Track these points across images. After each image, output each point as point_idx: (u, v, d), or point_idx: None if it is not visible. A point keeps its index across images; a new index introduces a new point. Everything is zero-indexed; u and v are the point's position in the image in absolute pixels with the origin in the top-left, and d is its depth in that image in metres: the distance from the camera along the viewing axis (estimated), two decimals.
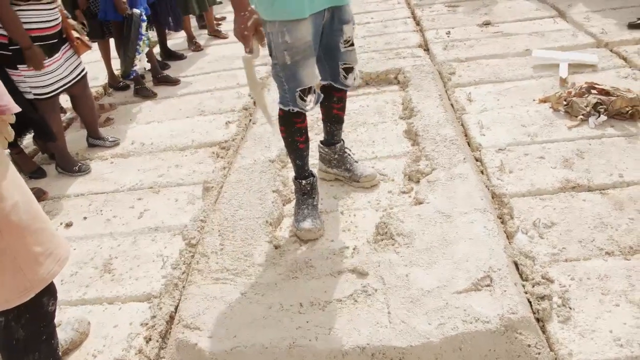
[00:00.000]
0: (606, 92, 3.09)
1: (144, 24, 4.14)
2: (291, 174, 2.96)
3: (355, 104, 3.71)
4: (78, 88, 3.43)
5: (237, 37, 1.96)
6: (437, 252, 2.16)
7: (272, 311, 2.01)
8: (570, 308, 1.88)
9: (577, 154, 2.73)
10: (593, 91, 3.15)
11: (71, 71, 3.32)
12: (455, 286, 1.97)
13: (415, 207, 2.49)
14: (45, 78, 3.13)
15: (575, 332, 1.79)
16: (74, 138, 3.90)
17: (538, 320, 1.86)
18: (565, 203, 2.41)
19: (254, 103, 4.07)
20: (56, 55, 3.19)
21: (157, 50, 5.38)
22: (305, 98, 2.20)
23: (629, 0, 4.88)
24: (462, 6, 5.63)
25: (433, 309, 1.89)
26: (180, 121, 3.99)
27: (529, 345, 1.75)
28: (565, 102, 3.16)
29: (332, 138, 2.70)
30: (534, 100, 3.36)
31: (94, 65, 5.18)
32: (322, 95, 2.32)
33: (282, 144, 3.21)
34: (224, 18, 6.77)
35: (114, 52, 4.62)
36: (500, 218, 2.42)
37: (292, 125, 2.33)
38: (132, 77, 4.36)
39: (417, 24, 5.43)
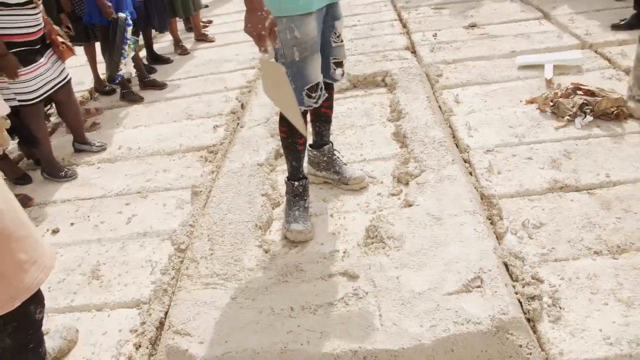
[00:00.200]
0: (591, 93, 3.12)
1: (130, 28, 4.10)
2: (280, 177, 2.96)
3: (343, 107, 3.71)
4: (63, 94, 3.40)
5: (251, 36, 1.91)
6: (428, 254, 2.16)
7: (263, 316, 2.00)
8: (560, 308, 1.89)
9: (565, 154, 2.75)
10: (579, 92, 3.18)
11: (56, 76, 3.29)
12: (446, 288, 1.97)
13: (404, 209, 2.50)
14: (32, 83, 3.10)
15: (566, 331, 1.80)
16: (60, 143, 3.86)
17: (529, 320, 1.87)
18: (553, 203, 2.42)
19: (242, 106, 4.06)
20: (41, 60, 3.16)
21: (143, 54, 5.35)
22: (312, 95, 2.23)
23: (611, 2, 4.95)
24: (448, 8, 5.66)
25: (424, 311, 1.89)
26: (168, 125, 3.96)
27: (520, 346, 1.75)
28: (551, 103, 3.18)
29: (320, 139, 2.71)
30: (520, 101, 3.39)
31: (80, 69, 5.15)
32: (326, 93, 2.34)
33: (269, 147, 3.23)
34: (210, 22, 6.75)
35: (99, 56, 4.58)
36: (490, 219, 2.43)
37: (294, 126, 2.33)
38: (117, 81, 4.32)
39: (404, 26, 5.45)
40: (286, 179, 2.53)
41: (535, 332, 1.84)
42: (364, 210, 2.59)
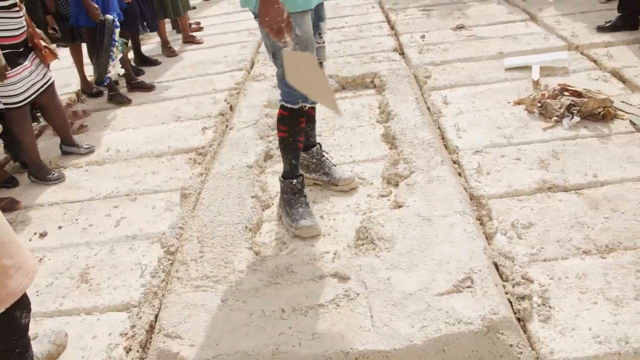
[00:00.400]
0: (578, 94, 3.16)
1: (117, 30, 4.07)
2: (270, 179, 2.96)
3: None
4: (47, 97, 3.36)
5: (271, 29, 1.90)
6: (418, 255, 2.16)
7: (254, 318, 1.99)
8: (550, 307, 1.90)
9: (553, 154, 2.77)
10: (566, 93, 3.21)
11: (40, 79, 3.25)
12: (437, 288, 1.98)
13: (395, 210, 2.50)
14: (17, 86, 3.07)
15: (556, 330, 1.82)
16: (47, 146, 3.83)
17: (519, 320, 1.88)
18: (542, 203, 2.44)
19: (230, 107, 4.05)
20: (25, 63, 3.13)
21: (131, 55, 5.31)
22: None
23: (597, 5, 5.01)
24: (435, 10, 5.69)
25: (415, 312, 1.90)
26: (156, 127, 3.94)
27: (511, 345, 1.76)
28: (539, 104, 3.21)
29: (307, 140, 2.70)
30: (508, 102, 3.41)
31: (66, 71, 5.10)
32: None
33: (259, 149, 3.22)
34: (198, 23, 6.72)
35: (86, 58, 4.54)
36: (479, 220, 2.44)
37: (297, 125, 2.34)
38: (105, 83, 4.29)
39: (392, 28, 5.47)
40: (282, 178, 2.52)
41: (525, 331, 1.85)
42: (354, 211, 2.59)
